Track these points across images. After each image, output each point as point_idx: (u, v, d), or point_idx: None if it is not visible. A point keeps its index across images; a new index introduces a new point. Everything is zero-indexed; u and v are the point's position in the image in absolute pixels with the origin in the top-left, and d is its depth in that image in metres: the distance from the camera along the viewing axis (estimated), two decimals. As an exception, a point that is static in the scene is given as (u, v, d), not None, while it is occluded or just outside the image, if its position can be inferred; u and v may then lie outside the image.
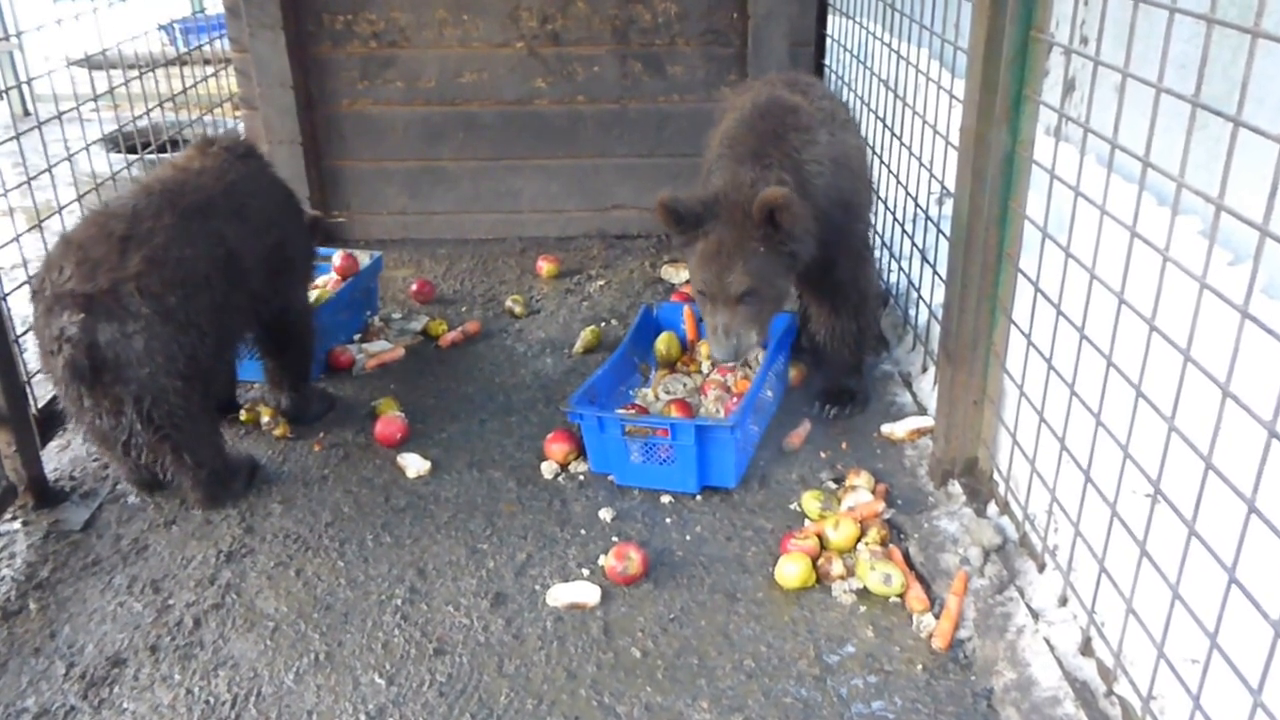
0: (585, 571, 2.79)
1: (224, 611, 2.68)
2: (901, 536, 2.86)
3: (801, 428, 3.36)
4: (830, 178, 3.12)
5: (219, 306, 2.95)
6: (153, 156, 4.57)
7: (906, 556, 2.76)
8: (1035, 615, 2.43)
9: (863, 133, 4.21)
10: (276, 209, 3.35)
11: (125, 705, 2.40)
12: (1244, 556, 1.69)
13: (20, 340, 3.20)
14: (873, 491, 3.01)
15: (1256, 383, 1.81)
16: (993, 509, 2.84)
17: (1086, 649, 2.27)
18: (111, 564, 2.88)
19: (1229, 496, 1.72)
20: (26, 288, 2.96)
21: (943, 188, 3.44)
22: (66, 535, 3.01)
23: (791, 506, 3.03)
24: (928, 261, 3.54)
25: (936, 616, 2.53)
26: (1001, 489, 2.81)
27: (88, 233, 2.79)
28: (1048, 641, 2.34)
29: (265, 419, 3.52)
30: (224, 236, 3.01)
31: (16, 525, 3.05)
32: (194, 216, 2.94)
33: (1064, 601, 2.41)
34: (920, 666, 2.41)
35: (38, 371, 3.13)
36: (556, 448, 3.26)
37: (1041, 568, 2.55)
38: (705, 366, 3.65)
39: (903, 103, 3.74)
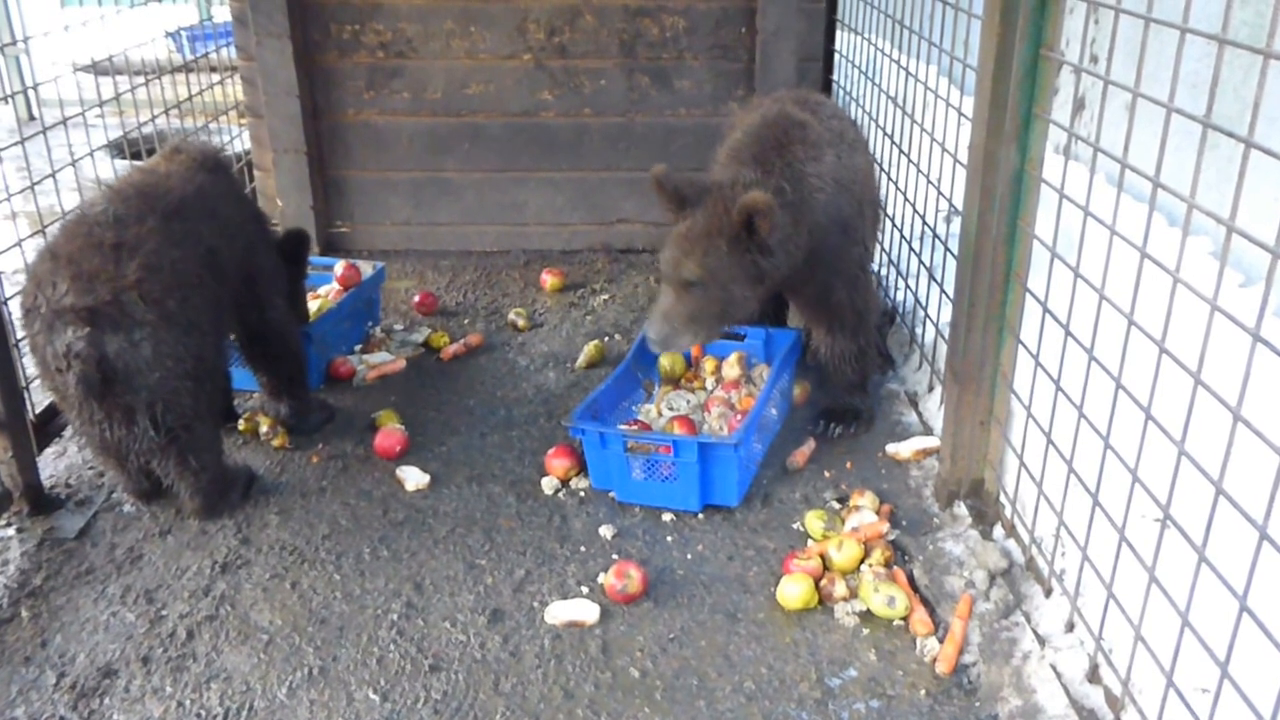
0: (584, 589, 2.76)
1: (218, 623, 2.65)
2: (906, 558, 2.82)
3: (806, 446, 3.33)
4: (831, 196, 3.10)
5: (213, 304, 2.97)
6: (150, 159, 4.57)
7: (910, 579, 2.73)
8: (1041, 641, 2.40)
9: (871, 149, 4.20)
10: (242, 219, 3.35)
11: (115, 717, 2.36)
12: (1255, 583, 1.66)
13: (19, 345, 3.18)
14: (877, 512, 2.98)
15: (1268, 407, 1.78)
16: (999, 532, 2.80)
17: (1094, 676, 2.23)
18: (105, 573, 2.85)
19: (1240, 522, 1.69)
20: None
21: (950, 205, 3.42)
22: (60, 543, 2.98)
23: (794, 526, 3.00)
24: (935, 280, 3.52)
25: (940, 640, 2.50)
26: (1008, 511, 2.78)
27: (75, 244, 2.76)
28: (1054, 668, 2.31)
29: (264, 429, 3.50)
30: (203, 235, 3.01)
31: (11, 532, 3.02)
32: (174, 218, 2.94)
33: (1071, 627, 2.37)
34: (924, 691, 2.38)
35: (36, 377, 3.12)
36: (557, 463, 3.23)
37: (1048, 592, 2.51)
38: (709, 383, 3.63)
39: (911, 120, 3.73)
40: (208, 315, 2.93)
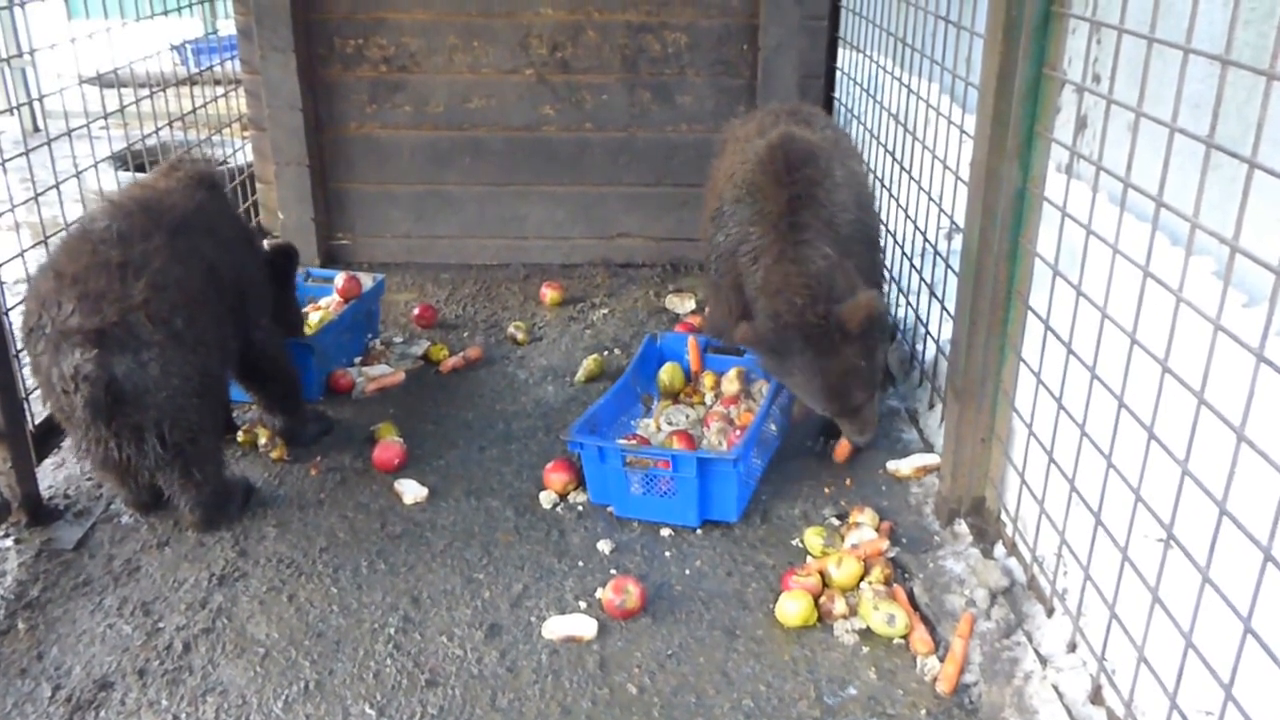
0: (582, 604, 2.74)
1: (214, 636, 2.64)
2: (906, 576, 2.81)
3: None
4: (855, 215, 3.18)
5: (217, 319, 2.98)
6: (149, 175, 4.57)
7: (911, 597, 2.71)
8: (1043, 661, 2.38)
9: (872, 166, 4.21)
10: (235, 237, 3.35)
11: (109, 731, 2.35)
12: (1260, 604, 1.65)
13: (20, 355, 3.18)
14: (877, 529, 2.96)
15: (1272, 426, 1.78)
16: (1000, 550, 2.79)
17: (1096, 697, 2.22)
18: (102, 585, 2.84)
19: (1244, 542, 1.68)
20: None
21: (952, 223, 3.42)
22: (58, 554, 2.97)
23: (794, 542, 2.99)
24: (936, 297, 3.52)
25: (941, 659, 2.48)
26: (1009, 529, 2.77)
27: (80, 263, 2.74)
28: (1056, 688, 2.29)
29: (262, 441, 3.49)
30: (204, 252, 3.03)
31: (9, 543, 3.01)
32: (178, 235, 2.95)
33: (1073, 647, 2.36)
34: (924, 711, 2.36)
35: (36, 388, 3.11)
36: (556, 477, 3.22)
37: (1050, 612, 2.50)
38: (709, 398, 3.62)
39: (913, 137, 3.74)
40: (212, 331, 2.94)
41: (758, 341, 3.04)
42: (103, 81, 4.06)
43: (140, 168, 4.74)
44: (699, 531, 3.04)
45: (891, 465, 3.31)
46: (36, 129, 6.73)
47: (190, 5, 5.14)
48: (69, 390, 2.66)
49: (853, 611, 2.66)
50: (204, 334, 2.88)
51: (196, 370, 2.82)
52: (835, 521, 3.07)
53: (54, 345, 2.67)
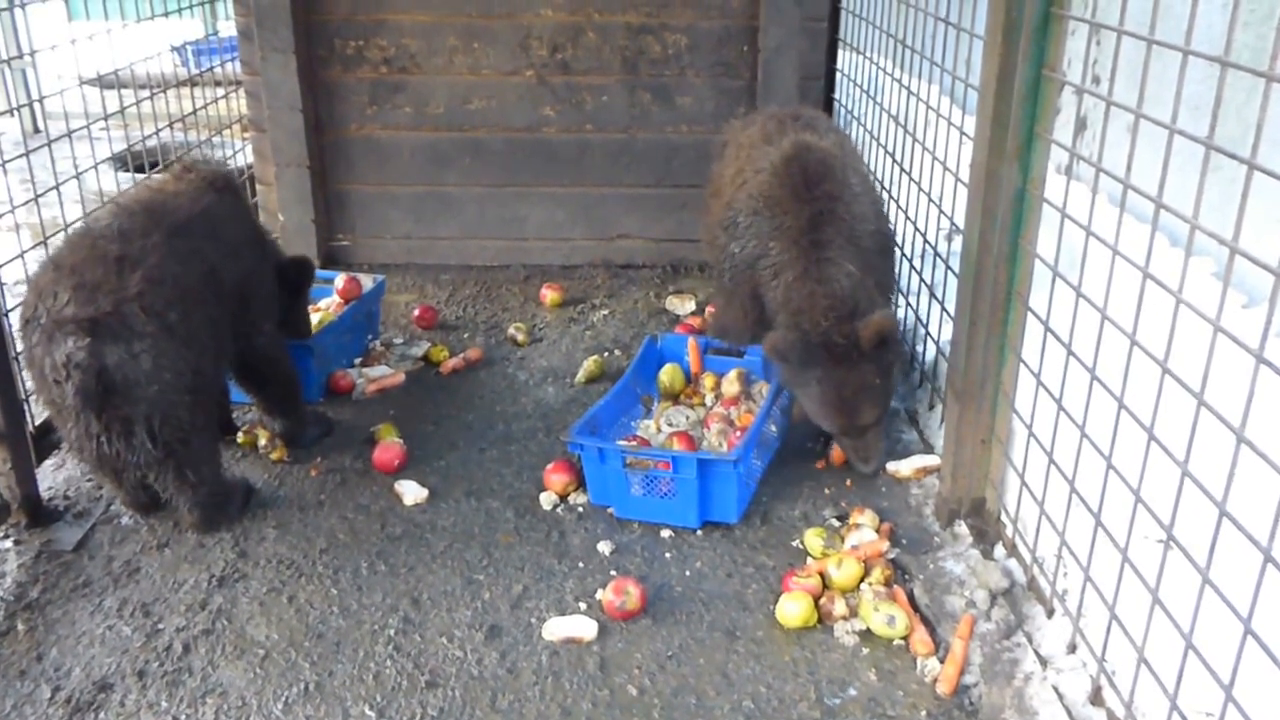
0: (582, 605, 2.74)
1: (214, 637, 2.64)
2: (906, 577, 2.81)
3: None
4: (874, 225, 3.20)
5: (213, 321, 2.98)
6: (160, 177, 4.58)
7: (911, 598, 2.71)
8: (1043, 662, 2.38)
9: (872, 168, 4.22)
10: (244, 242, 3.34)
11: (109, 733, 2.35)
12: (1260, 605, 1.65)
13: (20, 357, 3.18)
14: (877, 530, 2.97)
15: (1271, 427, 1.78)
16: (1000, 551, 2.79)
17: (1097, 698, 2.22)
18: (102, 586, 2.84)
19: (1244, 543, 1.68)
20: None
21: (952, 224, 3.43)
22: (58, 555, 2.97)
23: (794, 544, 2.99)
24: (936, 298, 3.52)
25: (941, 660, 2.48)
26: (1009, 530, 2.77)
27: (78, 256, 2.77)
28: (1056, 690, 2.29)
29: (262, 442, 3.49)
30: (205, 254, 3.03)
31: (8, 544, 3.01)
32: (178, 235, 2.96)
33: (1073, 648, 2.36)
34: (924, 712, 2.36)
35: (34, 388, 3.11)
36: (556, 478, 3.22)
37: (1050, 613, 2.50)
38: (709, 399, 3.62)
39: (913, 138, 3.74)
40: (207, 330, 2.94)
41: (781, 354, 3.04)
42: (103, 83, 4.07)
43: (140, 169, 4.75)
44: (699, 533, 3.04)
45: (891, 466, 3.31)
46: (37, 130, 6.72)
47: (191, 6, 5.15)
48: (60, 379, 2.67)
49: (853, 613, 2.66)
50: (199, 332, 2.88)
51: (189, 367, 2.82)
52: (835, 523, 3.07)
53: (48, 335, 2.68)
